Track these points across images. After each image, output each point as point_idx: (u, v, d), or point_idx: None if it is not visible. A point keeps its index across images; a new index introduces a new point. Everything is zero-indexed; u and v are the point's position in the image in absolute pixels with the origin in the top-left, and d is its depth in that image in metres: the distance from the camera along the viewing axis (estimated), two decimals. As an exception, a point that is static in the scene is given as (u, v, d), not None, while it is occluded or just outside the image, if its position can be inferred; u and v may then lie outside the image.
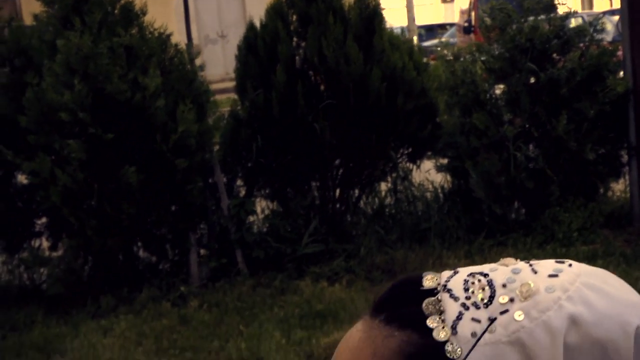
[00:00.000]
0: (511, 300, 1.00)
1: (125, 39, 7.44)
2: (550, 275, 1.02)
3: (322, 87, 8.09)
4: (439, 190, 8.87)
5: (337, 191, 8.49)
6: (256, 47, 8.20)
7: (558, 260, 1.07)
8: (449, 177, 8.89)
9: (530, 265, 1.05)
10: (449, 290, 1.04)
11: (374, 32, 8.13)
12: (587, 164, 8.11)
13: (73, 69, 7.33)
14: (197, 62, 8.01)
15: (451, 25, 35.89)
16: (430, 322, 1.02)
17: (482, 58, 8.53)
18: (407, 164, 8.81)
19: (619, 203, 8.67)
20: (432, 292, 1.06)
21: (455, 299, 1.03)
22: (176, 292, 7.59)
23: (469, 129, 8.33)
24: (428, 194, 8.87)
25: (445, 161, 8.79)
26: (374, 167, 8.45)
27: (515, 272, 1.04)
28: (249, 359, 6.16)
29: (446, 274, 1.08)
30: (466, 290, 1.04)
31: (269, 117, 7.98)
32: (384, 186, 8.89)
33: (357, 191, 8.60)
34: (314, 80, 8.16)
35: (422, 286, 1.07)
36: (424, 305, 1.04)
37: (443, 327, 1.02)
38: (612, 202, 8.65)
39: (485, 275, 1.04)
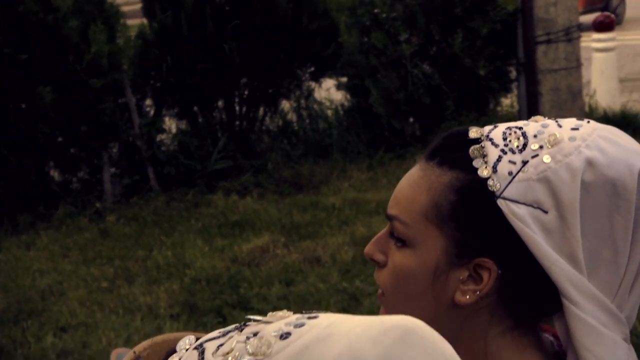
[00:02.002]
0: (540, 147, 1.24)
1: (35, -41, 7.61)
2: (572, 129, 1.26)
3: (227, 8, 8.41)
4: (340, 108, 9.35)
5: (244, 109, 8.87)
6: (162, -31, 8.44)
7: (579, 118, 1.32)
8: (348, 96, 9.36)
9: (556, 121, 1.28)
10: (490, 139, 1.27)
11: (277, -46, 8.46)
12: (480, 80, 8.71)
13: (-16, -10, 7.48)
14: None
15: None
16: (476, 163, 1.26)
17: (379, -21, 8.98)
18: (310, 83, 9.24)
19: (508, 116, 9.32)
20: (477, 141, 1.28)
21: (496, 145, 1.26)
22: (92, 209, 7.88)
23: (367, 48, 8.80)
24: (329, 112, 9.33)
25: (344, 80, 9.26)
26: (280, 85, 8.86)
27: (544, 126, 1.27)
28: (176, 265, 6.55)
29: (488, 127, 1.31)
30: (504, 139, 1.27)
31: (178, 37, 8.26)
32: (287, 104, 9.31)
33: (262, 109, 9.00)
34: (220, 1, 8.46)
35: (468, 137, 1.30)
36: (470, 150, 1.27)
37: (486, 167, 1.25)
38: (502, 116, 9.29)
39: (520, 128, 1.28)
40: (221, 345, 0.87)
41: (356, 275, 6.07)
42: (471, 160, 1.27)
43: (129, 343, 5.39)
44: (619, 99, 10.41)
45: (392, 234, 1.34)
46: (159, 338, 1.59)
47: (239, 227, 7.27)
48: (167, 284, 6.22)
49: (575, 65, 8.82)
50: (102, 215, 7.79)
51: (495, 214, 1.23)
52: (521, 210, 1.22)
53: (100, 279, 6.40)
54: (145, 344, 1.52)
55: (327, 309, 5.56)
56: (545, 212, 1.22)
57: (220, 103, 8.71)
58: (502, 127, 1.30)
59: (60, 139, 8.17)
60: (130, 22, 8.75)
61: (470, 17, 8.54)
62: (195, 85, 8.43)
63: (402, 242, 1.31)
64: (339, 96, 9.52)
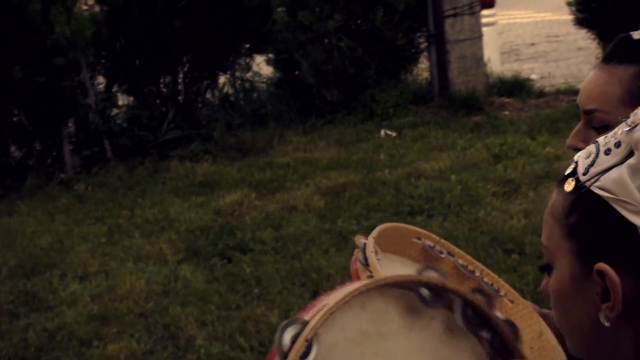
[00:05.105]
0: None
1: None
2: None
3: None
4: (271, 81, 9.82)
5: (188, 84, 9.21)
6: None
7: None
8: (277, 70, 9.84)
9: None
10: None
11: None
12: (398, 50, 9.33)
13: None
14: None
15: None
16: None
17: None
18: (247, 58, 9.66)
19: (419, 83, 10.00)
20: None
21: None
22: (57, 179, 8.10)
23: (295, 26, 9.31)
24: (262, 85, 9.79)
25: (272, 55, 9.74)
26: (223, 60, 9.24)
27: None
28: (164, 220, 6.87)
29: None
30: None
31: (128, 17, 8.54)
32: (227, 78, 9.70)
33: (205, 83, 9.36)
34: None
35: (633, 38, 1.55)
36: None
37: None
38: (416, 82, 9.96)
39: None
40: (605, 136, 1.09)
41: (335, 218, 6.55)
42: None
43: (150, 284, 5.75)
44: (501, 68, 11.27)
45: (590, 126, 1.62)
46: (388, 225, 2.02)
47: (208, 186, 7.64)
48: (164, 235, 6.55)
49: (477, 35, 9.56)
50: (69, 185, 8.01)
51: None
52: None
53: (99, 236, 6.67)
54: (378, 229, 1.95)
55: (319, 247, 6.03)
56: None
57: (167, 78, 9.02)
58: None
59: (19, 116, 8.34)
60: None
61: (388, -6, 9.15)
62: (143, 63, 8.72)
63: (605, 127, 1.50)
64: (268, 70, 9.98)
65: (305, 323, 1.22)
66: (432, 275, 1.48)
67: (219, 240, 6.33)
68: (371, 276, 1.67)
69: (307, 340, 1.20)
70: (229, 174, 7.91)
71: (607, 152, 1.04)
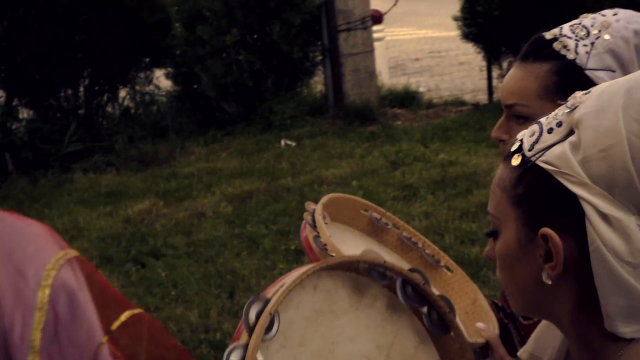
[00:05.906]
0: (599, 31, 1.69)
1: None
2: (614, 14, 1.72)
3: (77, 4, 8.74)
4: (170, 94, 9.94)
5: (91, 97, 9.26)
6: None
7: (614, 10, 1.80)
8: (176, 83, 9.97)
9: (599, 13, 1.74)
10: (564, 35, 1.71)
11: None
12: (294, 63, 9.59)
13: None
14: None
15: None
16: (562, 52, 1.71)
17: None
18: (148, 72, 9.76)
19: (314, 95, 10.28)
20: (554, 39, 1.73)
21: (570, 37, 1.71)
22: (-43, 193, 8.06)
23: (193, 40, 9.47)
24: (162, 98, 9.90)
25: (171, 69, 9.88)
26: (123, 74, 9.32)
27: (593, 18, 1.73)
28: (73, 229, 6.91)
29: (555, 30, 1.75)
30: (573, 32, 1.71)
31: (29, 31, 8.54)
32: (127, 92, 9.78)
33: (106, 96, 9.42)
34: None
35: (546, 38, 1.75)
36: (554, 45, 1.72)
37: (570, 53, 1.70)
38: (313, 95, 10.23)
39: (579, 23, 1.73)
40: (547, 117, 1.25)
41: (244, 223, 6.74)
42: (557, 51, 1.71)
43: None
44: (390, 81, 11.67)
45: (511, 118, 1.80)
46: (337, 195, 2.21)
47: (114, 196, 7.71)
48: (75, 244, 6.57)
49: (370, 49, 9.90)
50: (-29, 198, 7.98)
51: (587, 81, 1.68)
52: (600, 74, 1.68)
53: (9, 246, 6.68)
54: (328, 196, 2.14)
55: (231, 250, 6.21)
56: (614, 71, 1.67)
57: (68, 91, 9.06)
58: (566, 25, 1.74)
59: None
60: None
61: (284, 10, 9.39)
62: (44, 76, 8.74)
63: (525, 119, 1.74)
64: (167, 84, 10.11)
65: (268, 300, 1.35)
66: (373, 255, 1.60)
67: (131, 247, 6.44)
68: (318, 236, 1.78)
69: (270, 314, 1.33)
70: (134, 184, 8.01)
71: (550, 130, 1.20)
